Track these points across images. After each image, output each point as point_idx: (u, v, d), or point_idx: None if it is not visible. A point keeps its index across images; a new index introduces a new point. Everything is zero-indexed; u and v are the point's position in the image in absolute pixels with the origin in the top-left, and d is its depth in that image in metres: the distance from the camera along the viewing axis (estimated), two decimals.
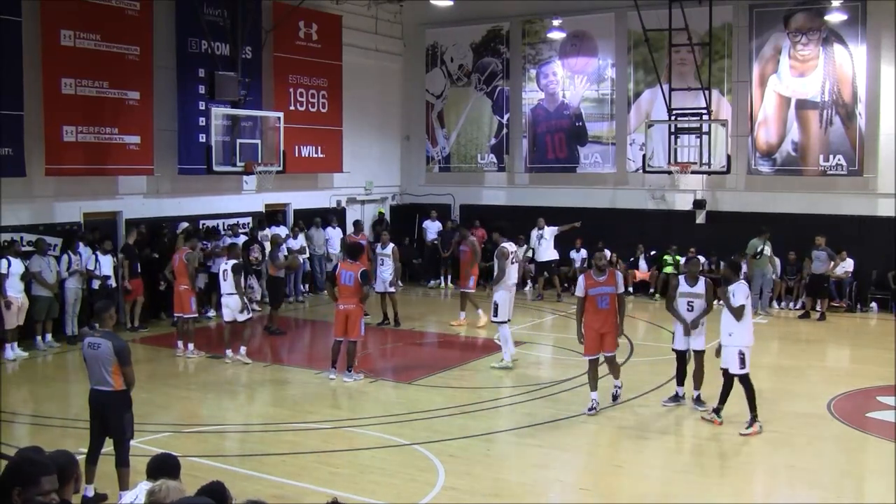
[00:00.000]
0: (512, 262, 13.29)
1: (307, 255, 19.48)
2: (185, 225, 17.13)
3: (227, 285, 13.50)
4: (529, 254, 20.22)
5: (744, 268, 18.23)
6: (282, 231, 19.23)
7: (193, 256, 14.33)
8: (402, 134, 23.96)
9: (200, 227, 17.58)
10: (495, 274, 13.26)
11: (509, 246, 13.37)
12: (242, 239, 17.44)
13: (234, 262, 13.55)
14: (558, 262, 20.02)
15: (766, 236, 17.81)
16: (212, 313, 16.85)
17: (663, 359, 13.71)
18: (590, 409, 10.55)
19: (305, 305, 17.66)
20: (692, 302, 10.63)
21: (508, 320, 13.27)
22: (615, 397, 10.95)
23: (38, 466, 4.11)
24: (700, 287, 10.69)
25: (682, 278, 10.88)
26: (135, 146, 16.19)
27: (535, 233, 19.71)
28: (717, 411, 10.04)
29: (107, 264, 15.14)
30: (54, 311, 14.50)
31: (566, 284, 19.75)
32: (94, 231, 15.62)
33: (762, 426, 9.77)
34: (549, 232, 19.54)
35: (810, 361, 14.25)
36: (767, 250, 17.87)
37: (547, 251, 19.64)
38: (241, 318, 13.46)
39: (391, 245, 16.50)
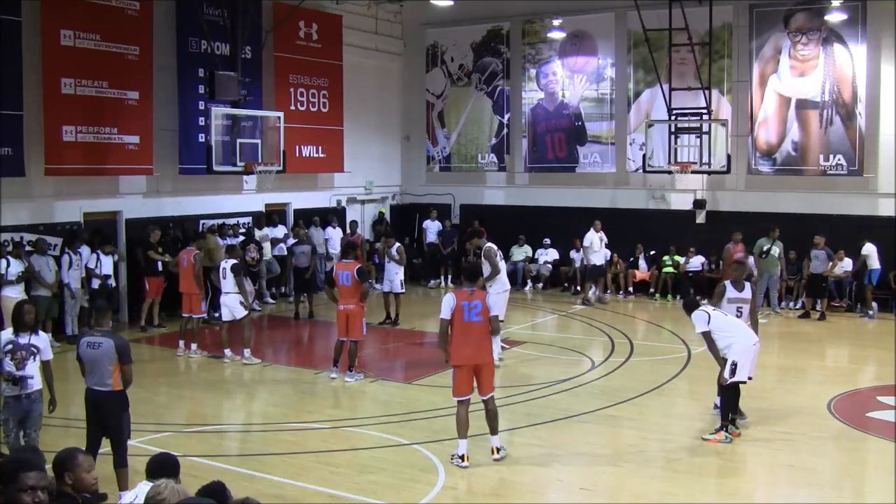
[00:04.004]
0: (500, 260, 13.32)
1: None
2: (210, 223, 17.55)
3: (226, 284, 13.51)
4: (578, 255, 19.96)
5: (748, 269, 18.30)
6: (279, 231, 19.27)
7: (200, 257, 14.37)
8: (402, 133, 23.95)
9: (201, 226, 17.61)
10: (489, 272, 13.23)
11: (493, 246, 13.41)
12: (233, 241, 17.44)
13: (233, 261, 13.58)
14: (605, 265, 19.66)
15: (775, 235, 17.71)
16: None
17: (663, 358, 13.76)
18: (452, 458, 8.83)
19: (305, 304, 17.68)
20: (741, 308, 10.33)
21: (501, 320, 13.27)
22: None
23: (19, 464, 4.11)
24: (747, 292, 10.44)
25: (728, 283, 10.45)
26: (134, 146, 16.18)
27: (594, 235, 18.91)
28: (732, 422, 9.72)
29: (108, 264, 15.18)
30: (54, 311, 14.52)
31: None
32: (95, 233, 15.61)
33: (730, 438, 9.49)
34: (602, 237, 19.22)
35: (810, 361, 14.25)
36: (776, 250, 17.81)
37: (601, 254, 19.24)
38: (238, 315, 13.47)
39: (397, 245, 16.52)
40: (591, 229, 18.98)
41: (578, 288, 20.54)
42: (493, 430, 8.96)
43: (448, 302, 8.83)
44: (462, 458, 8.74)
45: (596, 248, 19.02)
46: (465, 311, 8.77)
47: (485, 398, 8.91)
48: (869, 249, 17.36)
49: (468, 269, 9.41)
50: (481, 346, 8.86)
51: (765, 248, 17.76)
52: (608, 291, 19.74)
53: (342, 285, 12.27)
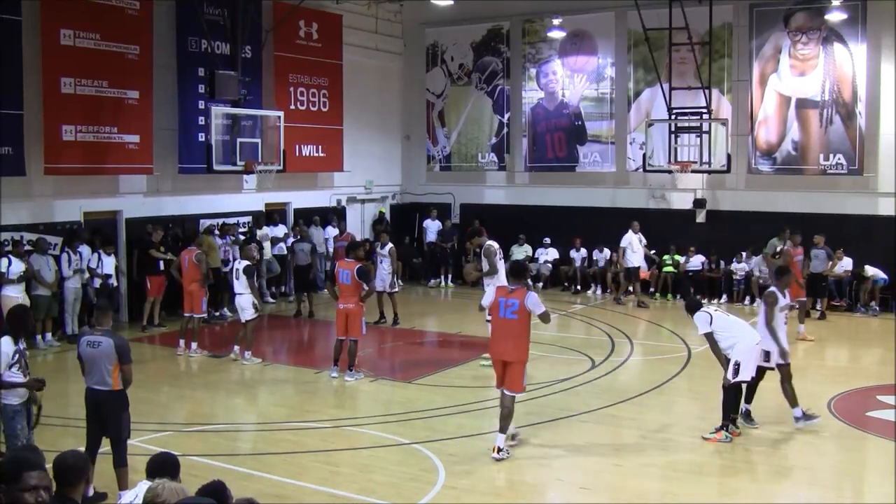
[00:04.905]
0: (499, 259, 13.31)
1: None
2: (210, 222, 17.57)
3: (238, 285, 13.54)
4: (619, 256, 19.45)
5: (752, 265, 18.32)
6: (280, 230, 19.28)
7: (203, 257, 14.40)
8: (402, 133, 23.95)
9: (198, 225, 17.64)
10: (485, 269, 13.23)
11: (494, 244, 13.40)
12: (227, 240, 17.50)
13: (246, 263, 13.58)
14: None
15: (786, 235, 17.54)
16: (227, 313, 17.05)
17: (663, 357, 13.77)
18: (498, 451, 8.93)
19: (306, 303, 17.69)
20: (787, 313, 10.35)
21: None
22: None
23: (21, 463, 4.10)
24: (788, 295, 10.41)
25: (776, 291, 10.17)
26: (134, 145, 16.18)
27: (633, 237, 18.92)
28: (732, 421, 9.72)
29: (108, 263, 15.22)
30: (54, 310, 14.54)
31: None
32: (95, 233, 15.62)
33: (730, 437, 9.50)
34: (641, 238, 19.13)
35: (810, 361, 14.23)
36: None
37: (639, 255, 19.14)
38: (247, 317, 13.48)
39: (389, 245, 16.55)
40: (630, 230, 18.98)
41: (578, 287, 20.57)
42: (502, 429, 9.01)
43: (487, 296, 9.24)
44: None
45: (635, 248, 19.00)
46: (502, 308, 8.95)
47: (506, 394, 9.03)
48: (868, 271, 17.74)
49: (513, 266, 9.59)
50: (513, 345, 8.96)
51: (778, 249, 17.72)
52: (623, 294, 19.62)
53: (342, 284, 12.32)
